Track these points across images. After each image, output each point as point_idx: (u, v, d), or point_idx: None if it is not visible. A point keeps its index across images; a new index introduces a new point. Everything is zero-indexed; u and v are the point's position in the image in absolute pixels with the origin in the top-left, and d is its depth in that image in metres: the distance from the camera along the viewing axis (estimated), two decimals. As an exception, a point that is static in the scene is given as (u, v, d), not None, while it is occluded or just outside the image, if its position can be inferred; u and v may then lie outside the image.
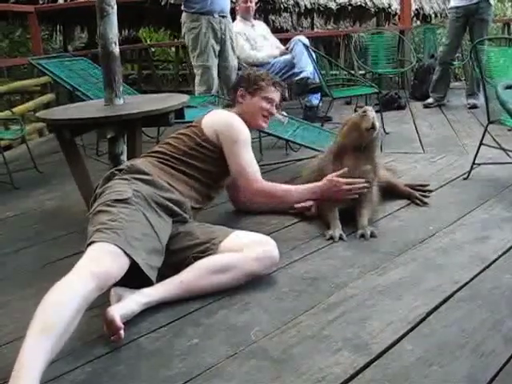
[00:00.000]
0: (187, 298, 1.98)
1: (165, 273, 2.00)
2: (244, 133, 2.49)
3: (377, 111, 4.91)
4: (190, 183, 2.36)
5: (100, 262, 1.77)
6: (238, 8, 5.49)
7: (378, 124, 2.52)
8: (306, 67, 5.21)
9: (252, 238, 2.15)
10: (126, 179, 2.14)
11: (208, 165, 2.44)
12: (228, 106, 2.62)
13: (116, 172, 2.21)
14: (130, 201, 2.00)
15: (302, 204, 2.70)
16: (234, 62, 4.93)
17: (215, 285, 2.02)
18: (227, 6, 4.72)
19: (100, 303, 1.95)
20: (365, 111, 2.53)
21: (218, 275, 2.01)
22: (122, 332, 1.73)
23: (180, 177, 2.34)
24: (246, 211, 2.86)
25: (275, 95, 2.64)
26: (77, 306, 1.61)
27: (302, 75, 5.24)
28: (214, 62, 4.72)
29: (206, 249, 2.08)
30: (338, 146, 2.66)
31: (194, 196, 2.36)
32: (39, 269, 2.36)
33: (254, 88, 2.59)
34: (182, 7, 4.68)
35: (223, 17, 4.65)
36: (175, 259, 2.07)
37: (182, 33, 4.83)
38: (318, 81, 5.08)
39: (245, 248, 2.06)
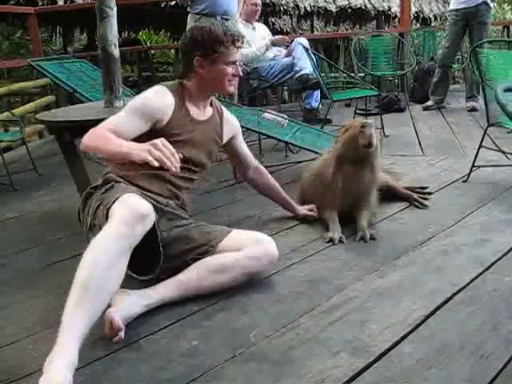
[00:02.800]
0: (188, 298, 1.98)
1: (164, 278, 2.00)
2: (136, 101, 2.18)
3: (376, 113, 5.00)
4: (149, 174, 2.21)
5: (124, 206, 1.78)
6: (243, 10, 5.46)
7: (375, 141, 2.47)
8: (306, 66, 5.20)
9: (250, 236, 2.15)
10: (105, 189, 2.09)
11: None
12: (181, 76, 2.30)
13: (91, 190, 2.14)
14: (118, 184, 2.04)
15: (306, 212, 2.75)
16: None
17: (215, 284, 2.02)
18: (232, 8, 4.67)
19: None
20: (363, 126, 2.45)
21: (218, 275, 2.02)
22: (122, 333, 1.74)
23: (147, 173, 2.19)
24: (245, 211, 2.87)
25: (238, 55, 2.29)
26: (110, 257, 1.67)
27: (301, 72, 5.23)
28: None
29: (204, 251, 2.08)
30: (338, 154, 2.62)
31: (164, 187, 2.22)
32: (39, 270, 2.36)
33: (214, 55, 2.21)
34: (188, 9, 4.68)
35: (226, 19, 4.63)
36: (174, 264, 2.05)
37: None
38: (318, 76, 5.06)
39: (243, 247, 2.07)
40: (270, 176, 2.72)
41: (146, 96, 2.20)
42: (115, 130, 2.04)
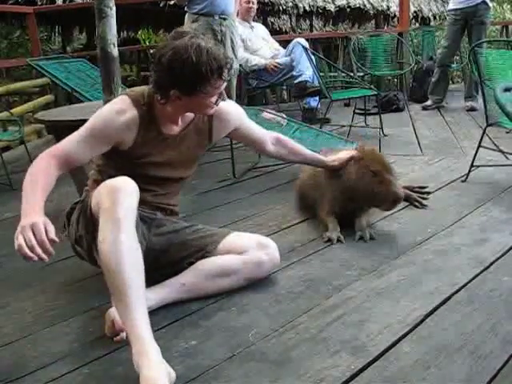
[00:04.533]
0: (187, 299, 1.98)
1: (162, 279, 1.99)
2: (94, 121, 1.94)
3: (375, 113, 5.00)
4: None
5: (104, 190, 1.75)
6: (238, 9, 5.49)
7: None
8: (305, 70, 5.22)
9: (253, 240, 2.10)
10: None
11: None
12: (153, 92, 1.95)
13: (74, 205, 2.10)
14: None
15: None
16: (234, 65, 4.91)
17: (216, 288, 2.01)
18: (230, 8, 4.67)
19: (99, 305, 1.96)
20: (395, 201, 2.44)
21: (220, 279, 2.01)
22: (124, 334, 1.72)
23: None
24: (244, 211, 2.87)
25: (221, 82, 1.92)
26: (126, 244, 1.65)
27: (300, 78, 5.25)
28: None
29: (201, 256, 2.04)
30: (342, 187, 2.53)
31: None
32: (38, 270, 2.36)
33: (194, 91, 1.88)
34: (185, 8, 4.66)
35: (224, 19, 4.62)
36: (170, 271, 2.02)
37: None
38: (316, 84, 5.09)
39: (246, 251, 2.04)
40: (293, 143, 2.50)
41: (105, 115, 1.93)
42: (68, 157, 1.88)
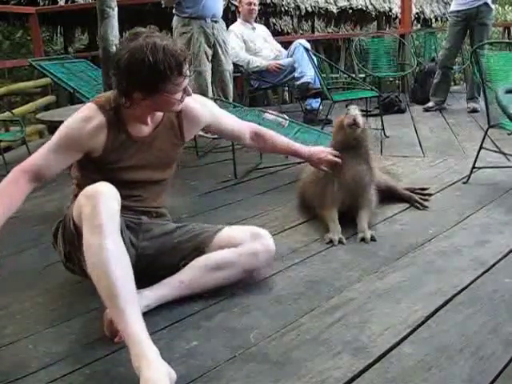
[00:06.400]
0: (187, 296, 1.97)
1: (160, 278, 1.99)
2: (62, 131, 1.93)
3: (377, 114, 5.00)
4: None
5: (83, 199, 1.73)
6: (240, 10, 5.51)
7: (361, 121, 2.56)
8: (307, 72, 5.23)
9: (246, 231, 2.10)
10: None
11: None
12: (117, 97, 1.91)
13: (58, 224, 2.09)
14: None
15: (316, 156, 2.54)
16: (228, 67, 4.90)
17: (214, 281, 2.01)
18: (219, 11, 4.70)
19: (100, 306, 1.95)
20: (347, 107, 2.62)
21: (217, 272, 2.00)
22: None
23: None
24: (246, 212, 2.87)
25: (182, 79, 1.88)
26: (111, 251, 1.64)
27: (302, 80, 5.26)
28: (206, 67, 4.66)
29: (194, 256, 2.03)
30: (330, 145, 2.68)
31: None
32: (39, 271, 2.36)
33: (156, 91, 1.86)
34: (174, 11, 4.65)
35: (215, 22, 4.63)
36: (167, 273, 2.00)
37: (174, 38, 4.79)
38: (318, 86, 5.10)
39: (241, 244, 2.04)
40: (270, 134, 2.47)
41: (72, 124, 1.92)
42: (39, 170, 1.90)
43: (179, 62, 1.83)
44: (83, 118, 1.92)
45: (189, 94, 1.96)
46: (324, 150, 2.56)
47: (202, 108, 2.17)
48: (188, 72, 1.89)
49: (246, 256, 2.03)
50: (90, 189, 1.74)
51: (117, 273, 1.62)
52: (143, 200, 2.11)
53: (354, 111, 2.57)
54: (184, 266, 2.01)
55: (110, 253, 1.64)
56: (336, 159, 2.52)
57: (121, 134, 1.97)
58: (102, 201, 1.69)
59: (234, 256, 2.02)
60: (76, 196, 1.88)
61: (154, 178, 2.12)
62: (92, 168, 2.00)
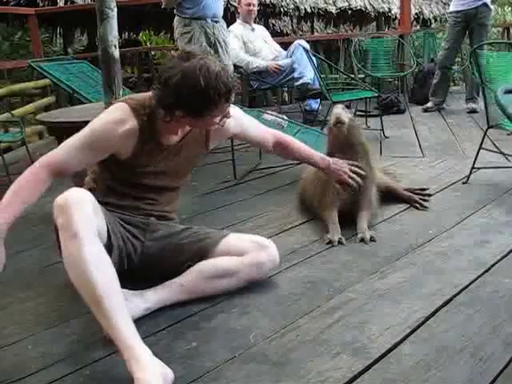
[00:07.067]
0: (186, 300, 1.97)
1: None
2: (92, 130, 1.90)
3: (376, 115, 5.00)
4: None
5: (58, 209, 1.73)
6: (239, 10, 5.52)
7: (344, 117, 2.57)
8: (307, 72, 5.23)
9: (252, 241, 2.10)
10: None
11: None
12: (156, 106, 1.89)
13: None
14: None
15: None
16: (229, 67, 4.90)
17: (215, 289, 2.01)
18: (220, 11, 4.70)
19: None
20: (332, 108, 2.65)
21: (219, 280, 2.00)
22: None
23: (119, 191, 2.11)
24: (246, 212, 2.87)
25: (228, 105, 1.91)
26: (91, 259, 1.63)
27: (302, 81, 5.27)
28: None
29: (200, 259, 2.03)
30: (327, 150, 2.66)
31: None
32: (39, 271, 2.37)
33: (200, 114, 1.86)
34: (175, 11, 4.66)
35: (216, 22, 4.64)
36: (170, 274, 2.00)
37: (175, 38, 4.80)
38: (318, 86, 5.11)
39: (246, 253, 2.03)
40: (293, 144, 2.42)
41: (103, 125, 1.89)
42: (62, 165, 1.89)
43: (228, 90, 1.83)
44: (116, 120, 1.88)
45: (228, 117, 1.95)
46: (346, 171, 2.43)
47: (232, 121, 2.11)
48: (233, 99, 1.90)
49: (250, 266, 2.03)
50: (60, 199, 1.73)
51: (98, 278, 1.62)
52: (157, 204, 2.12)
53: (337, 109, 2.60)
54: (188, 267, 2.01)
55: (88, 260, 1.63)
56: (354, 183, 2.44)
57: (151, 141, 1.96)
58: (74, 208, 1.68)
59: (237, 265, 2.02)
60: (90, 190, 1.88)
61: (172, 185, 2.15)
62: (114, 168, 2.00)
